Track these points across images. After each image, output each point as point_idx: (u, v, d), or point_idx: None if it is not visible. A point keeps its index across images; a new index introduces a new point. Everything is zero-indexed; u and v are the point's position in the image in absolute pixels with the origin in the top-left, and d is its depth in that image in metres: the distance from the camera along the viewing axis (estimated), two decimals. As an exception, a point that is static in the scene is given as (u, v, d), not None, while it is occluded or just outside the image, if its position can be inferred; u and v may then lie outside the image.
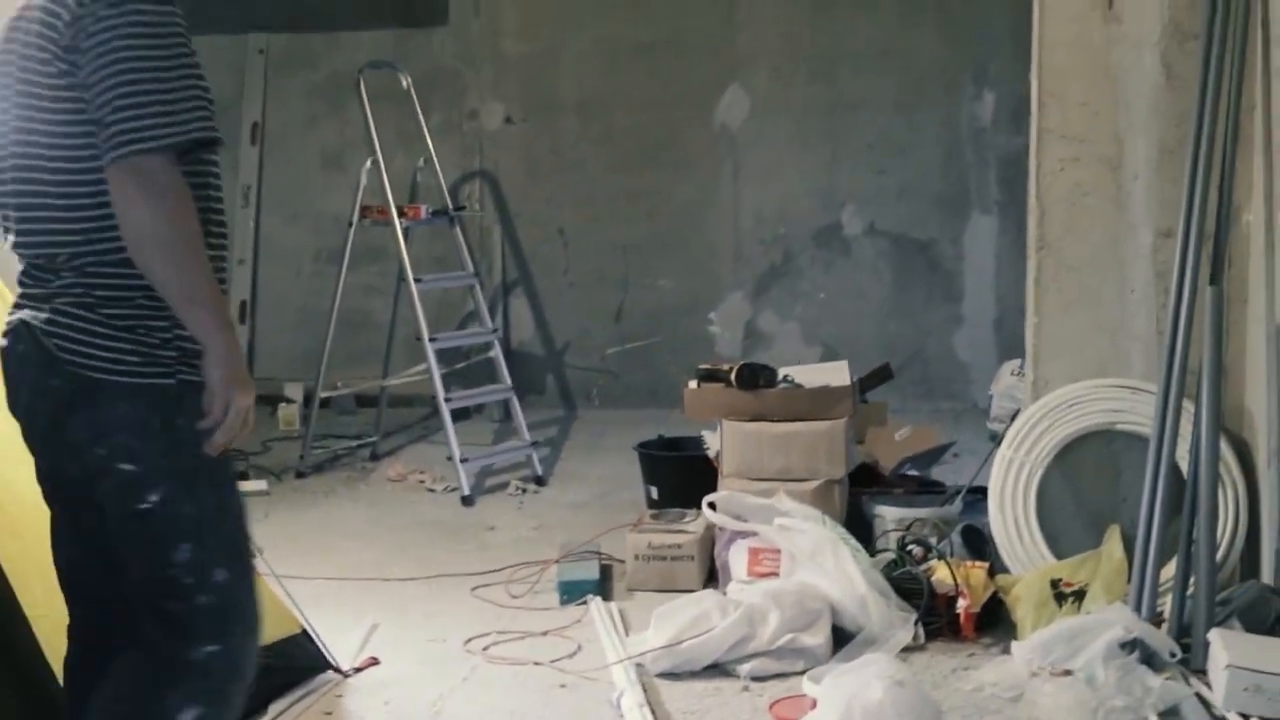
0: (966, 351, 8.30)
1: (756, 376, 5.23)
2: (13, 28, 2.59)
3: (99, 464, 2.53)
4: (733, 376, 5.25)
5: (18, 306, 2.61)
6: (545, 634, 4.55)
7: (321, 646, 4.15)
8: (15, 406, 2.64)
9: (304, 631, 4.11)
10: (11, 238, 2.61)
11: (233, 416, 2.52)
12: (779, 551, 4.55)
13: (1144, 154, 4.52)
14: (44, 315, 2.52)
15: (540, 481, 6.78)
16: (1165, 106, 4.48)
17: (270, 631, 3.72)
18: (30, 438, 2.66)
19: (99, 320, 2.49)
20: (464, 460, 6.51)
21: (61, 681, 2.89)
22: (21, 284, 2.60)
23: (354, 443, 7.53)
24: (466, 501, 6.38)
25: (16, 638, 3.27)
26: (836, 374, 5.36)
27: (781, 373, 5.34)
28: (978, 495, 5.16)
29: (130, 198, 2.41)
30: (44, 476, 2.71)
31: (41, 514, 3.44)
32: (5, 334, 2.62)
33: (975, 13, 8.06)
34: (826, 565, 4.37)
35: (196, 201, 2.51)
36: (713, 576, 4.95)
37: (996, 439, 5.44)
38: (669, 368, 6.97)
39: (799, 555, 4.45)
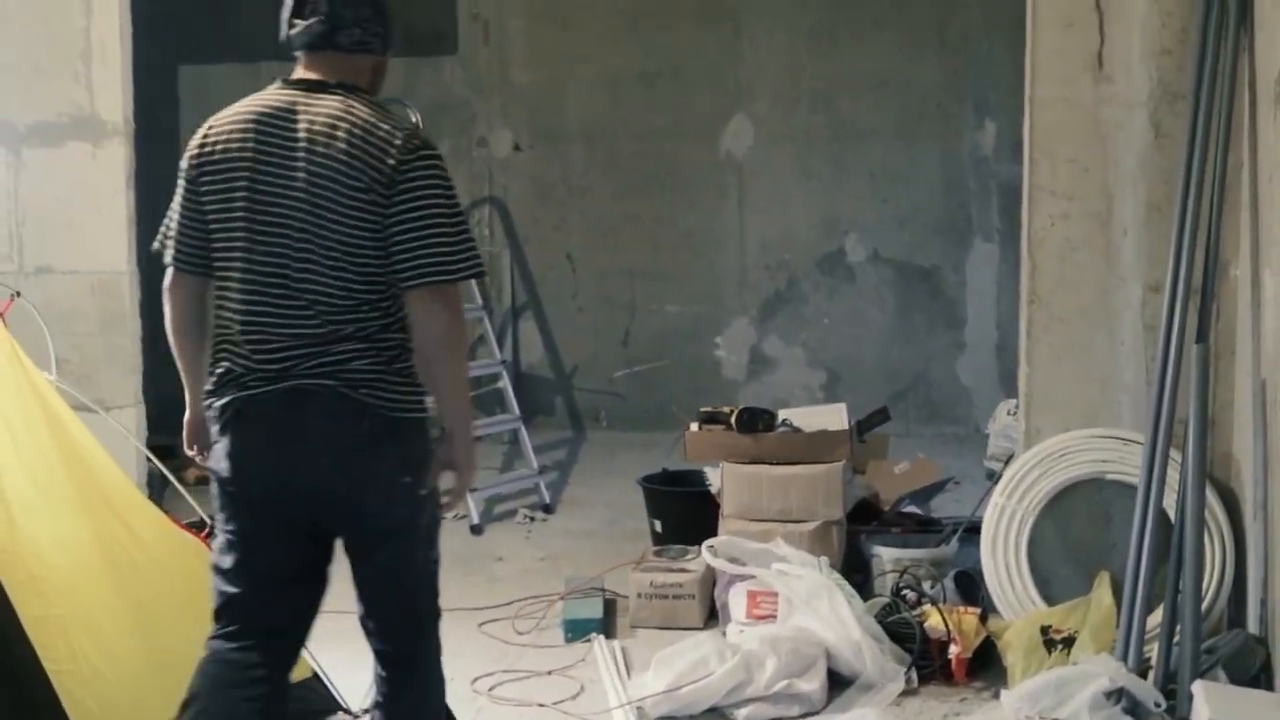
0: (969, 376, 8.42)
1: (756, 420, 5.35)
2: (282, 129, 3.12)
3: (402, 491, 3.16)
4: (733, 420, 5.37)
5: (278, 375, 3.10)
6: (550, 673, 4.66)
7: (332, 689, 4.25)
8: (296, 452, 3.12)
9: (315, 675, 4.21)
10: (270, 307, 3.12)
11: (467, 486, 3.35)
12: (777, 595, 4.66)
13: (1133, 210, 4.63)
14: (343, 375, 3.08)
15: (548, 509, 6.90)
16: (1154, 164, 4.59)
17: (282, 676, 3.86)
18: (314, 481, 3.13)
19: (394, 372, 3.12)
20: (473, 489, 6.62)
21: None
22: (285, 357, 3.10)
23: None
24: (475, 530, 6.48)
25: (35, 690, 3.40)
26: (834, 418, 5.47)
27: (780, 416, 5.45)
28: (975, 532, 5.25)
29: (433, 312, 3.07)
30: (301, 507, 3.17)
31: (65, 573, 3.59)
32: (280, 395, 3.10)
33: (975, 43, 8.18)
34: (822, 610, 4.48)
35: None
36: (714, 614, 5.06)
37: (994, 478, 5.54)
38: (671, 408, 7.09)
39: (796, 600, 4.56)
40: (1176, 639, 4.19)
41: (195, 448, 3.42)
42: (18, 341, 3.99)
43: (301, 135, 3.09)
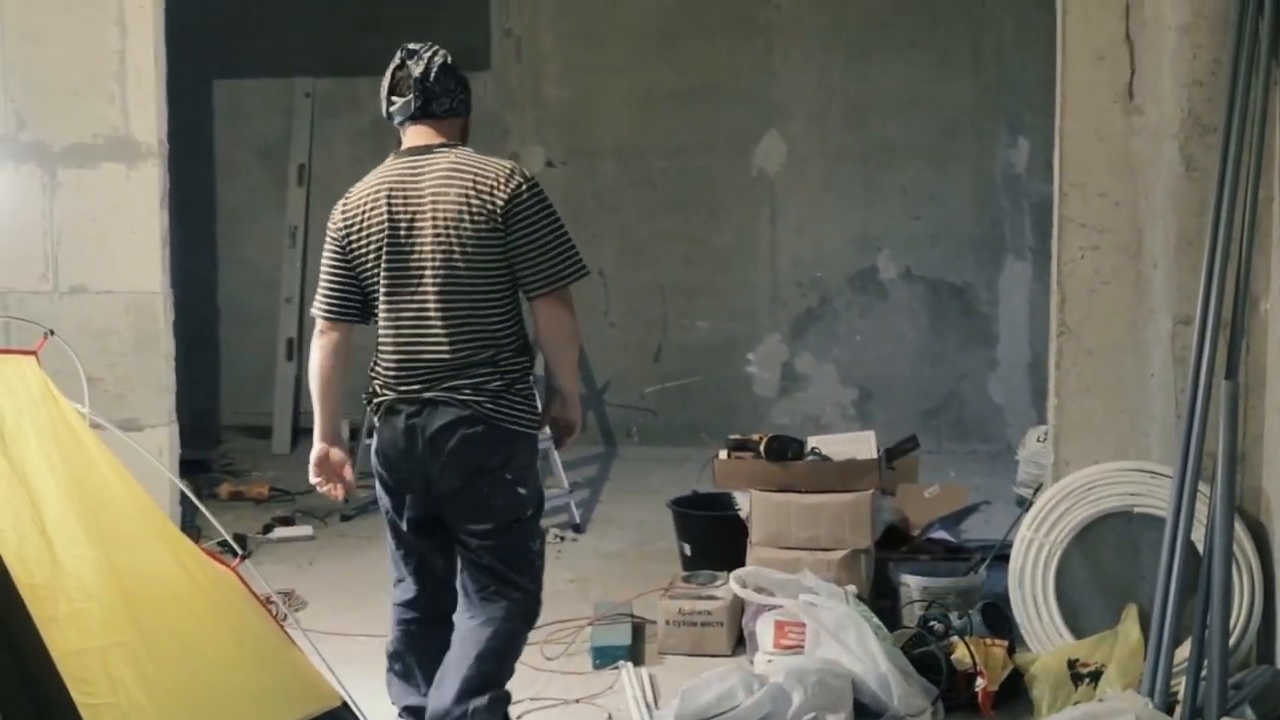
0: (1001, 394, 8.41)
1: (785, 449, 5.35)
2: (406, 192, 3.77)
3: (505, 486, 3.80)
4: (761, 448, 5.37)
5: (417, 393, 3.77)
6: (578, 701, 4.67)
7: (361, 717, 4.27)
8: (429, 452, 3.77)
9: (344, 704, 4.23)
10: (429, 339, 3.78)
11: (577, 428, 4.03)
12: (804, 625, 4.66)
13: (1163, 243, 4.60)
14: (467, 389, 3.72)
15: (578, 529, 6.92)
16: (1184, 197, 4.54)
17: (312, 705, 3.90)
18: (438, 469, 3.78)
19: (515, 393, 3.77)
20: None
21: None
22: (425, 378, 3.76)
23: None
24: (506, 551, 6.52)
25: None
26: (863, 446, 5.46)
27: (809, 444, 5.45)
28: (1004, 559, 5.22)
29: (558, 314, 3.78)
30: (434, 497, 3.84)
31: (106, 604, 3.62)
32: (417, 406, 3.77)
33: (1008, 61, 8.18)
34: (849, 642, 4.48)
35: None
36: (741, 641, 5.06)
37: (1024, 505, 5.52)
38: (701, 435, 7.10)
39: (823, 631, 4.56)
40: (1204, 674, 4.17)
41: (321, 478, 3.98)
42: (56, 360, 4.06)
43: (426, 192, 3.74)
